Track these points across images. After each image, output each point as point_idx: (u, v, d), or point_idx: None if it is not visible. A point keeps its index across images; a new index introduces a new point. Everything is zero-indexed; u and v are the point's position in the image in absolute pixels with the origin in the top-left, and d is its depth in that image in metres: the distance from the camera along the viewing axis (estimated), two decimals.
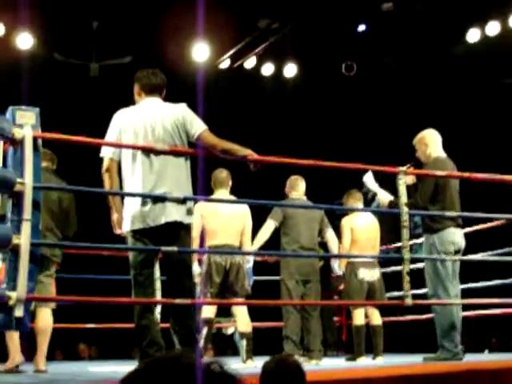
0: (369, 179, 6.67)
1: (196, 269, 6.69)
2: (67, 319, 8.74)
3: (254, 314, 7.50)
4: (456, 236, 6.24)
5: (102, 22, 11.21)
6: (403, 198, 5.51)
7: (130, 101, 5.18)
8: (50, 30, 11.04)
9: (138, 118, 4.83)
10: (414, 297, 5.81)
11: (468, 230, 7.88)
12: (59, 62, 11.53)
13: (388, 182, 6.37)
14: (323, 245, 8.06)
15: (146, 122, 4.82)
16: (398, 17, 11.33)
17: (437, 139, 6.52)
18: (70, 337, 11.70)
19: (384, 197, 6.50)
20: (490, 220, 7.72)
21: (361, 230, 7.66)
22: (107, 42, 11.45)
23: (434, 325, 6.27)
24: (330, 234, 7.56)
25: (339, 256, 7.76)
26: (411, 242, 6.28)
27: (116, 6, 10.78)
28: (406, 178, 5.74)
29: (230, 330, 9.67)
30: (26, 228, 4.31)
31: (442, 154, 6.48)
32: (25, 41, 10.71)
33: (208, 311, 6.93)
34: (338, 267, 7.79)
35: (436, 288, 6.16)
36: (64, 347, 12.28)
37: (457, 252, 6.27)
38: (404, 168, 5.74)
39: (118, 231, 4.96)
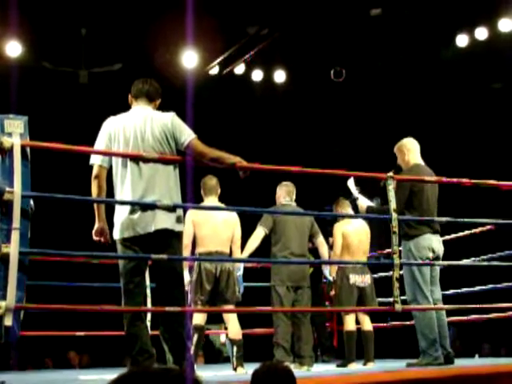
0: (351, 185, 6.76)
1: (186, 277, 6.69)
2: (57, 327, 8.73)
3: (245, 320, 7.50)
4: (433, 242, 6.28)
5: (90, 29, 11.19)
6: (392, 203, 5.52)
7: (120, 107, 5.18)
8: (39, 38, 11.01)
9: (128, 126, 4.83)
10: (404, 302, 5.83)
11: (455, 235, 7.90)
12: (48, 69, 11.50)
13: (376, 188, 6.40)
14: (313, 251, 8.08)
15: (136, 129, 4.82)
16: (387, 22, 11.35)
17: (415, 147, 6.61)
18: (60, 345, 11.66)
19: (363, 202, 6.58)
20: (479, 225, 7.74)
21: (352, 236, 7.68)
22: (96, 49, 11.44)
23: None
24: (320, 240, 7.58)
25: (330, 262, 7.77)
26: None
27: (105, 13, 10.77)
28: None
29: (222, 338, 9.67)
30: (15, 237, 4.30)
31: (420, 162, 6.54)
32: (13, 49, 10.68)
33: (198, 318, 6.93)
34: (328, 273, 7.80)
35: (414, 293, 6.19)
36: (54, 355, 12.24)
37: (435, 258, 6.30)
38: (391, 173, 5.75)
39: (95, 238, 4.95)
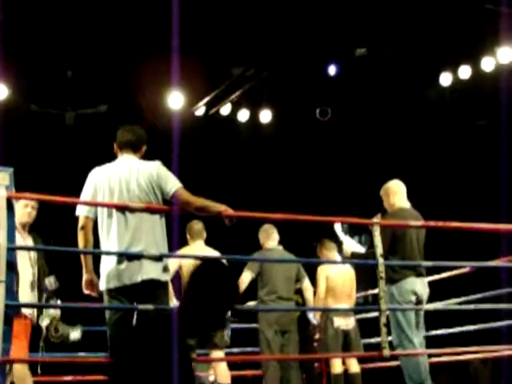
0: (337, 229, 6.76)
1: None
2: (44, 370, 8.63)
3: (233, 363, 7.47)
4: (416, 285, 6.22)
5: (76, 71, 11.24)
6: (378, 249, 5.54)
7: (106, 149, 5.19)
8: (25, 80, 11.04)
9: (113, 177, 4.84)
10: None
11: (436, 277, 7.88)
12: (34, 111, 11.53)
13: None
14: (301, 292, 8.05)
15: (121, 179, 4.82)
16: (372, 62, 11.45)
17: (401, 189, 6.56)
18: None
19: (348, 247, 6.55)
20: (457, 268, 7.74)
21: (336, 279, 7.66)
22: (82, 90, 11.48)
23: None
24: (305, 284, 7.58)
25: (315, 309, 7.74)
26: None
27: (90, 55, 10.82)
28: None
29: (211, 378, 9.61)
30: (1, 290, 4.28)
31: (406, 205, 6.51)
32: None
33: None
34: (313, 317, 7.79)
35: (400, 338, 6.15)
36: None
37: (419, 301, 6.27)
38: (378, 220, 5.77)
39: (86, 291, 4.94)
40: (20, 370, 5.88)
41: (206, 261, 3.47)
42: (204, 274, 3.30)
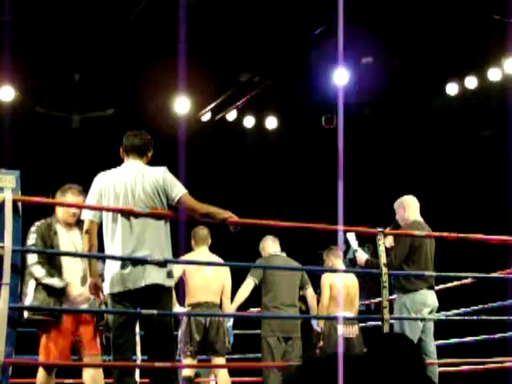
0: (351, 237, 6.78)
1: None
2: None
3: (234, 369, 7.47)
4: (428, 297, 6.31)
5: (83, 75, 11.27)
6: (383, 258, 5.55)
7: (111, 153, 5.20)
8: (32, 83, 11.08)
9: (118, 182, 4.85)
10: None
11: (441, 286, 7.88)
12: (41, 113, 11.56)
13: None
14: (304, 299, 8.05)
15: (127, 184, 4.84)
16: (377, 70, 11.46)
17: (415, 204, 6.68)
18: None
19: (361, 256, 6.60)
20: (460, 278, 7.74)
21: (340, 287, 7.67)
22: (89, 94, 11.51)
23: None
24: (309, 292, 7.58)
25: (319, 318, 7.75)
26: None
27: (98, 59, 10.85)
28: (385, 241, 5.81)
29: None
30: (5, 292, 4.30)
31: (420, 219, 6.60)
32: (6, 93, 10.74)
33: (187, 369, 6.90)
34: (316, 324, 7.79)
35: None
36: None
37: (429, 313, 6.32)
38: (381, 228, 5.78)
39: (91, 295, 4.95)
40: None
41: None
42: None
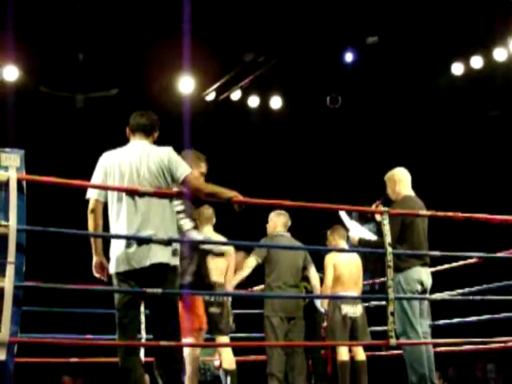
0: (343, 215, 6.76)
1: None
2: (51, 352, 8.69)
3: (238, 348, 7.49)
4: (422, 274, 6.23)
5: (87, 54, 11.25)
6: (387, 237, 5.52)
7: (115, 133, 5.20)
8: (36, 62, 11.07)
9: (123, 161, 4.84)
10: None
11: (441, 267, 7.86)
12: (45, 93, 11.55)
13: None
14: (308, 279, 8.05)
15: (132, 164, 4.83)
16: (383, 50, 11.42)
17: (406, 177, 6.53)
18: (53, 369, 11.61)
19: (355, 234, 6.55)
20: (465, 258, 7.71)
21: (344, 267, 7.67)
22: (93, 74, 11.49)
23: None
24: (312, 272, 7.56)
25: (322, 297, 7.76)
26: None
27: (102, 39, 10.83)
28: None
29: (216, 363, 9.64)
30: (10, 271, 4.30)
31: (411, 193, 6.50)
32: (10, 73, 10.73)
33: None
34: (320, 304, 7.80)
35: (404, 326, 6.15)
36: (47, 380, 12.18)
37: (424, 291, 6.28)
38: (379, 206, 5.77)
39: (96, 275, 4.96)
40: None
41: None
42: None
